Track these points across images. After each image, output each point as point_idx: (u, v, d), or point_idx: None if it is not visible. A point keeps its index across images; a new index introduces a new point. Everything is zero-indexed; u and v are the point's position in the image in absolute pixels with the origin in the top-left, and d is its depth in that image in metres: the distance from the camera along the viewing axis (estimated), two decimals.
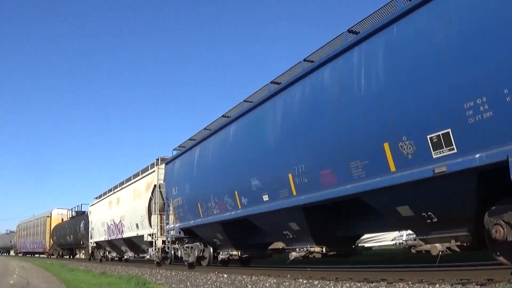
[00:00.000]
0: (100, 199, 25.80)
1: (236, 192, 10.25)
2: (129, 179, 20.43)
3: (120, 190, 21.27)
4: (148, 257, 17.89)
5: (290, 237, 9.38)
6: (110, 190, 23.83)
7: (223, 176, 10.82)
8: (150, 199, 16.57)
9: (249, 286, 8.39)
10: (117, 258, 25.26)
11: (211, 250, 13.10)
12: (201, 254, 13.14)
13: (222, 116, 12.00)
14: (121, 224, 20.43)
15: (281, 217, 9.12)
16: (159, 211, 16.16)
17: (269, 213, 9.22)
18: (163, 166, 16.17)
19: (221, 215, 11.04)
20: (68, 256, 38.94)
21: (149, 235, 16.68)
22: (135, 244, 19.63)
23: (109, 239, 22.98)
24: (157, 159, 16.90)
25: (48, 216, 41.88)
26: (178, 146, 14.91)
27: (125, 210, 19.81)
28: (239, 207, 10.22)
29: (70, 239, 33.46)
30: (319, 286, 7.16)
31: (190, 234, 13.65)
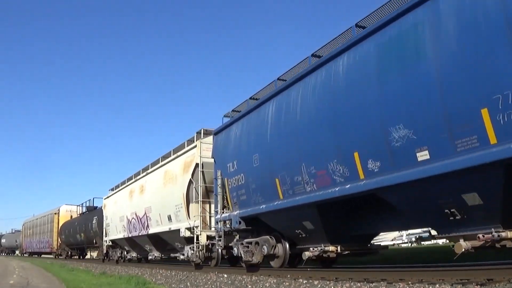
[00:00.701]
0: (117, 189, 22.23)
1: (356, 154, 6.70)
2: (156, 162, 16.86)
3: (145, 175, 17.69)
4: (182, 257, 14.33)
5: (457, 218, 5.82)
6: (130, 178, 20.28)
7: (327, 133, 7.28)
8: (190, 183, 13.02)
9: (249, 286, 8.31)
10: (136, 259, 21.72)
11: (287, 245, 9.53)
12: (272, 252, 9.58)
13: (312, 55, 8.45)
14: (146, 217, 16.87)
15: (449, 185, 5.57)
16: (202, 198, 12.64)
17: (428, 179, 5.67)
18: (209, 139, 12.65)
19: (321, 192, 7.48)
20: (77, 257, 35.44)
21: (188, 229, 13.13)
22: (164, 241, 16.06)
23: (130, 236, 19.40)
24: (198, 132, 13.38)
25: (55, 213, 38.23)
26: (232, 111, 11.36)
27: (152, 199, 16.25)
28: (361, 176, 6.65)
29: (81, 237, 29.92)
30: (319, 286, 7.01)
31: (253, 225, 10.10)
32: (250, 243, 10.15)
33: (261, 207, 9.20)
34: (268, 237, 9.66)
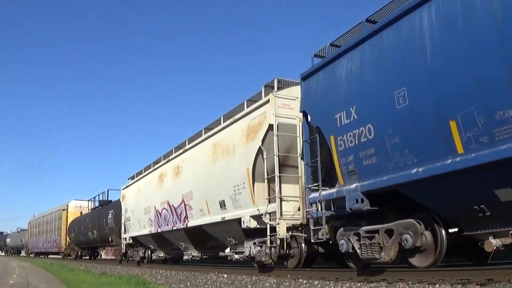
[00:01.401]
0: (140, 176, 18.87)
1: None
2: (197, 136, 13.48)
3: (181, 153, 14.29)
4: (237, 256, 10.94)
5: None
6: (158, 161, 16.89)
7: None
8: (258, 154, 9.64)
9: (249, 286, 8.23)
10: (162, 260, 18.37)
11: (444, 233, 6.16)
12: (418, 244, 6.20)
13: None
14: (185, 206, 13.49)
15: None
16: (277, 173, 9.25)
17: None
18: (285, 92, 9.32)
19: None
20: (88, 257, 32.14)
21: (254, 217, 9.75)
22: (208, 236, 12.63)
23: (159, 231, 16.03)
24: (268, 85, 10.01)
25: (64, 209, 34.81)
26: (330, 45, 7.96)
27: (194, 182, 12.85)
28: None
29: (93, 235, 26.57)
30: (319, 286, 6.96)
31: (378, 203, 6.74)
32: (376, 231, 6.76)
33: (412, 171, 5.81)
34: (412, 221, 6.28)
